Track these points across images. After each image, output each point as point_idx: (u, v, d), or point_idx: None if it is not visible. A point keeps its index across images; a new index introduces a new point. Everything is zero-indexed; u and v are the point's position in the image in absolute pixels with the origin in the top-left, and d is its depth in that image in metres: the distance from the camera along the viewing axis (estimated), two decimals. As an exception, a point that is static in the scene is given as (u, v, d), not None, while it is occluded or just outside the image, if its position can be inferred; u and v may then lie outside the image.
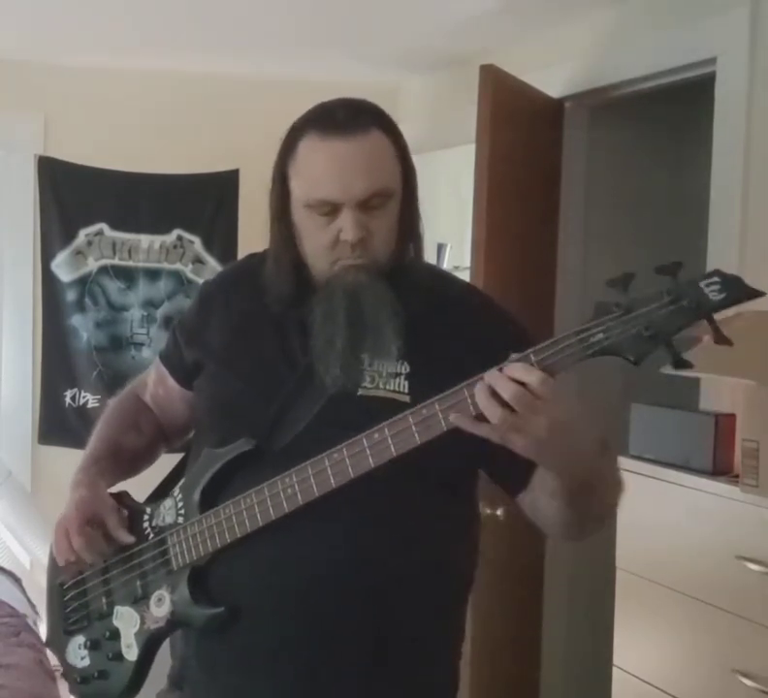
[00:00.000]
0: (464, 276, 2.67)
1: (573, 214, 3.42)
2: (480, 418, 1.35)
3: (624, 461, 2.50)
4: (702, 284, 1.29)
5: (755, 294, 1.28)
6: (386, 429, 1.41)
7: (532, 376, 1.32)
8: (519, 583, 3.25)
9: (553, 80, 3.27)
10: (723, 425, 2.33)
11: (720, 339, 1.29)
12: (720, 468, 2.30)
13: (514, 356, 1.35)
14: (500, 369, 1.34)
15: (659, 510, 2.40)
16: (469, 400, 1.36)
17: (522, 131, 3.11)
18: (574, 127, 3.38)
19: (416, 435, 1.40)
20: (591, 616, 3.32)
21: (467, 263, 3.04)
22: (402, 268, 1.57)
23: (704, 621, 2.26)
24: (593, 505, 1.54)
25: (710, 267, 2.67)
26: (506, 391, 1.32)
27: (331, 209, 1.51)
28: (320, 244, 1.54)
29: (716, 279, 1.29)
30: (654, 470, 2.41)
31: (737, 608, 2.16)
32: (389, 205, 1.53)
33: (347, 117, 1.51)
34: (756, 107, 2.57)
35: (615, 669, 2.53)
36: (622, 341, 1.31)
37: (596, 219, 3.47)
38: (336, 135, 1.50)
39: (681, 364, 1.31)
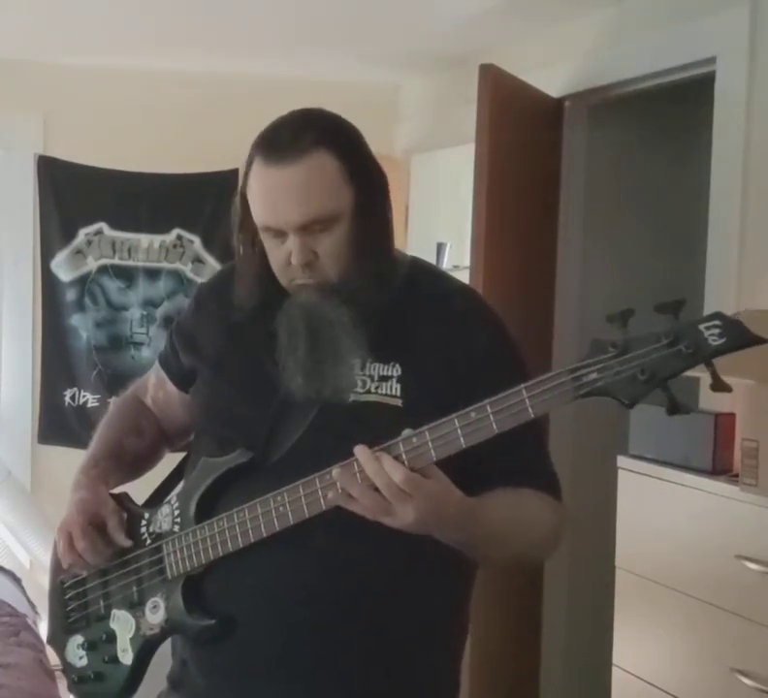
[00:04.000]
0: (464, 276, 2.66)
1: (573, 214, 3.42)
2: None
3: (623, 461, 2.51)
4: (702, 327, 1.24)
5: (757, 340, 1.23)
6: (401, 444, 1.40)
7: (397, 475, 1.35)
8: (519, 583, 3.25)
9: (552, 80, 3.27)
10: (723, 424, 2.33)
11: (718, 386, 1.25)
12: (720, 468, 2.30)
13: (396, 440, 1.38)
14: (376, 455, 1.37)
15: (659, 509, 2.39)
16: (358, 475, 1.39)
17: (521, 130, 3.11)
18: (574, 126, 3.38)
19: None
20: (591, 615, 3.32)
21: (467, 262, 3.04)
22: (369, 278, 1.55)
23: (704, 621, 2.26)
24: (499, 552, 1.55)
25: (709, 266, 2.69)
26: (378, 480, 1.36)
27: (277, 234, 1.54)
28: (277, 264, 1.57)
29: (716, 323, 1.24)
30: (653, 470, 2.41)
31: (736, 607, 2.16)
32: (334, 227, 1.52)
33: (289, 140, 1.50)
34: (756, 106, 2.57)
35: (615, 669, 2.53)
36: (616, 383, 1.28)
37: (596, 218, 3.47)
38: (273, 162, 1.51)
39: (676, 409, 1.27)
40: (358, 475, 1.38)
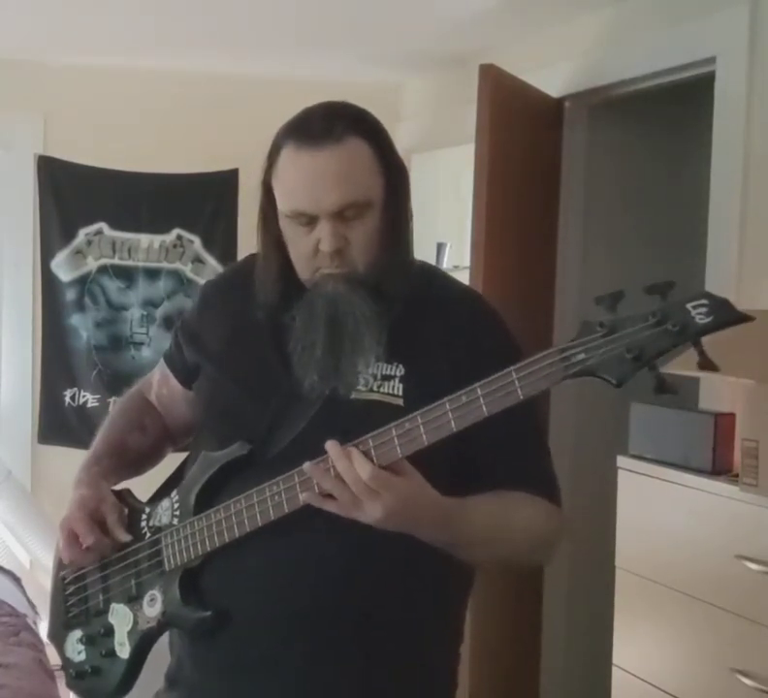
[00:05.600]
0: (464, 276, 2.67)
1: (573, 214, 3.42)
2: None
3: (623, 461, 2.51)
4: (689, 306, 1.25)
5: (743, 318, 1.25)
6: (371, 440, 1.41)
7: (364, 471, 1.36)
8: (518, 583, 3.25)
9: (553, 80, 3.27)
10: (723, 424, 2.32)
11: (705, 364, 1.26)
12: (720, 468, 2.30)
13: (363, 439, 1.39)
14: (347, 451, 1.38)
15: (659, 509, 2.39)
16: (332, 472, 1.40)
17: (521, 130, 3.11)
18: (574, 126, 3.38)
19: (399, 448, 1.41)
20: (591, 615, 3.32)
21: (467, 262, 3.04)
22: (394, 270, 1.55)
23: (704, 621, 2.26)
24: (484, 556, 1.54)
25: (709, 265, 2.69)
26: (346, 476, 1.37)
27: (308, 220, 1.51)
28: (301, 253, 1.55)
29: (703, 301, 1.25)
30: (653, 470, 2.41)
31: (737, 607, 2.16)
32: (366, 214, 1.52)
33: (323, 126, 1.50)
34: (756, 106, 2.57)
35: (615, 669, 2.53)
36: (603, 362, 1.29)
37: (596, 218, 3.47)
38: (309, 146, 1.49)
39: (663, 388, 1.28)
40: (331, 470, 1.39)
